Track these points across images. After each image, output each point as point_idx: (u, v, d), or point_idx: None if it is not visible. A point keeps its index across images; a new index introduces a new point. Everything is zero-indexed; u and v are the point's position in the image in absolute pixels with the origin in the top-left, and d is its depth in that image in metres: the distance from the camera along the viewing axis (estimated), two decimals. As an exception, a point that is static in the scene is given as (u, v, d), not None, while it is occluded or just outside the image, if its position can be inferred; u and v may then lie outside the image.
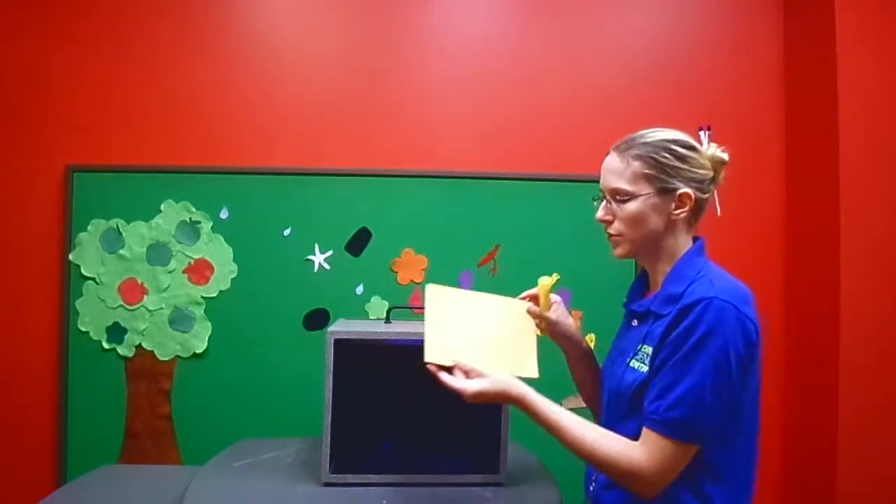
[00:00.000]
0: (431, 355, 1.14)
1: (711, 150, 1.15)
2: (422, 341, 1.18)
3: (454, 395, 1.09)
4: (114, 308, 2.11)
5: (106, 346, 2.11)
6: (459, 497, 1.28)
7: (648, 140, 1.11)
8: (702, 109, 2.23)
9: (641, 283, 1.23)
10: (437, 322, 1.19)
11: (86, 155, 2.14)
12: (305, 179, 2.15)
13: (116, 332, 2.11)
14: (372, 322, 1.60)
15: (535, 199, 2.16)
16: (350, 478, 1.32)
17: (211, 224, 2.13)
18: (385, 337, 1.37)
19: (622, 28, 2.24)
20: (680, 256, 1.13)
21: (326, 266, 2.15)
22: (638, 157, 1.10)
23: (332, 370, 1.33)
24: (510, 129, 2.20)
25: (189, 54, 2.17)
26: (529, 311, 1.25)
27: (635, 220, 1.10)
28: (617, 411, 1.12)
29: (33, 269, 2.13)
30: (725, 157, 1.15)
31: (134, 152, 2.15)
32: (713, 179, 1.14)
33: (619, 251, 1.15)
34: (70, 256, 2.11)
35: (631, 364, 1.10)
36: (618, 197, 1.11)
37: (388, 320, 1.52)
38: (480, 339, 1.20)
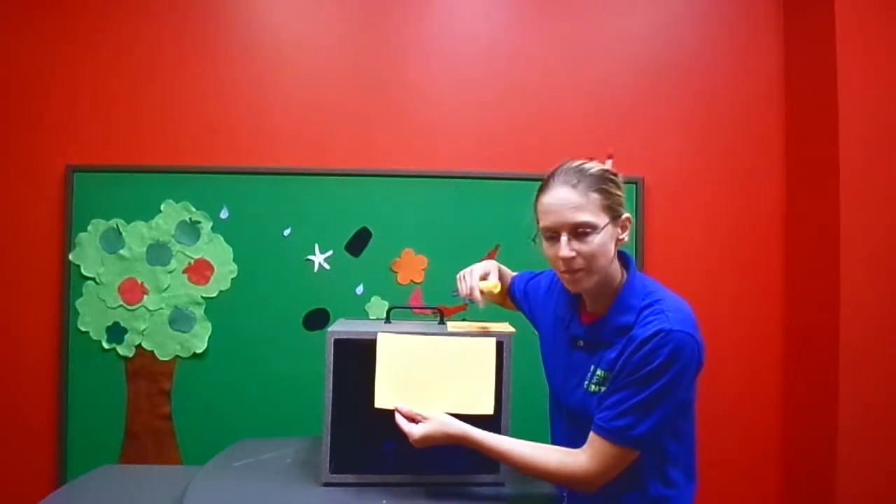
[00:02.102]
0: (380, 401, 1.25)
1: (620, 176, 1.19)
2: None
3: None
4: (114, 308, 2.11)
5: (106, 346, 2.11)
6: (459, 497, 1.28)
7: (592, 173, 1.13)
8: (702, 109, 2.23)
9: (572, 303, 1.26)
10: (387, 370, 1.28)
11: (86, 155, 2.14)
12: (305, 179, 2.15)
13: (116, 332, 2.11)
14: (372, 322, 1.60)
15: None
16: (350, 478, 1.32)
17: (211, 224, 2.13)
18: (385, 337, 1.37)
19: (622, 28, 2.23)
20: (620, 284, 1.18)
21: (326, 266, 2.15)
22: (593, 190, 1.11)
23: (332, 370, 1.32)
24: (510, 130, 2.20)
25: (189, 54, 2.17)
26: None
27: (601, 252, 1.12)
28: (585, 431, 1.15)
29: (33, 269, 2.13)
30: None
31: (134, 152, 2.15)
32: None
33: (584, 284, 1.14)
34: (70, 256, 2.11)
35: (589, 389, 1.17)
36: (584, 230, 1.10)
37: (388, 320, 1.52)
38: (433, 381, 1.27)
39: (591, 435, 1.11)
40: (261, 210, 2.14)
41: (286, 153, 2.17)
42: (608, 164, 1.19)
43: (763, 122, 2.24)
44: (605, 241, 1.11)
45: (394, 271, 2.16)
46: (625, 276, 1.19)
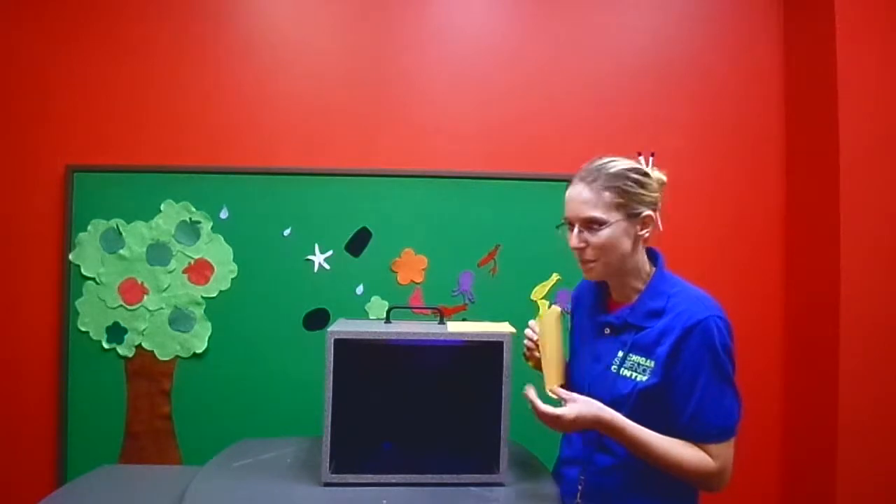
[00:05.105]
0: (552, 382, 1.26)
1: (656, 174, 1.26)
2: (421, 342, 1.28)
3: (549, 420, 1.15)
4: (114, 308, 2.11)
5: (106, 346, 2.11)
6: (459, 497, 1.28)
7: (611, 171, 1.22)
8: (702, 109, 2.23)
9: (601, 294, 1.33)
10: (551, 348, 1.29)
11: (86, 155, 2.14)
12: (305, 179, 2.15)
13: (116, 332, 2.11)
14: (372, 322, 1.60)
15: (535, 199, 2.16)
16: (350, 478, 1.32)
17: (211, 224, 2.13)
18: (385, 337, 1.37)
19: (622, 28, 2.23)
20: (650, 273, 1.27)
21: (326, 266, 2.15)
22: (607, 188, 1.21)
23: (332, 370, 1.33)
24: (510, 129, 2.20)
25: (189, 54, 2.17)
26: (529, 341, 1.37)
27: (609, 246, 1.21)
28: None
29: (33, 269, 2.13)
30: (665, 178, 1.28)
31: (134, 152, 2.15)
32: (659, 197, 1.27)
33: (593, 275, 1.26)
34: (70, 256, 2.11)
35: (621, 373, 1.21)
36: (592, 225, 1.21)
37: (388, 320, 1.52)
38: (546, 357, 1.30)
39: (706, 446, 1.16)
40: (261, 210, 2.14)
41: (286, 153, 2.17)
42: (638, 163, 1.26)
43: (763, 122, 2.24)
44: (614, 235, 1.20)
45: (394, 271, 2.16)
46: (653, 269, 1.27)
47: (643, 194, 1.22)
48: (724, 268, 2.21)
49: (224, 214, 2.14)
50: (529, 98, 2.21)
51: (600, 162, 1.24)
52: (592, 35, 2.24)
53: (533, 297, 2.16)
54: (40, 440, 2.11)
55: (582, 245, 1.22)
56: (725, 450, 1.18)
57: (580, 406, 1.14)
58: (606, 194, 1.20)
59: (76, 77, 2.15)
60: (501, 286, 2.15)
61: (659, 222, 1.26)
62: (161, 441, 2.11)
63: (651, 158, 1.29)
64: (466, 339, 1.37)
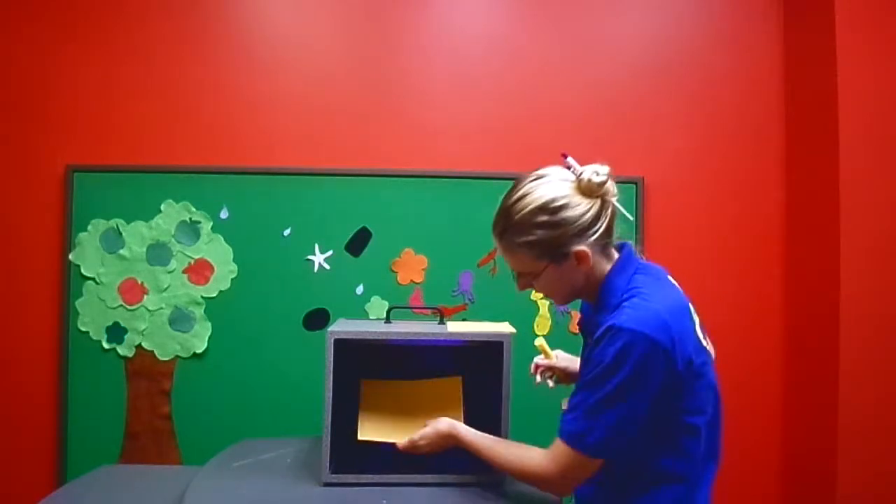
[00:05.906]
0: (364, 433, 1.32)
1: (585, 177, 1.06)
2: (421, 342, 1.29)
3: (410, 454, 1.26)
4: (114, 308, 2.11)
5: (106, 346, 2.11)
6: (459, 497, 1.28)
7: (518, 219, 1.06)
8: (702, 109, 2.23)
9: (588, 307, 1.23)
10: (372, 407, 1.36)
11: (86, 155, 2.14)
12: (305, 179, 2.15)
13: (116, 332, 2.11)
14: (372, 322, 1.60)
15: (535, 199, 2.16)
16: (350, 478, 1.32)
17: (211, 224, 2.13)
18: (385, 337, 1.37)
19: (622, 28, 2.24)
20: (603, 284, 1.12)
21: (326, 266, 2.15)
22: (519, 245, 1.07)
23: (332, 370, 1.33)
24: (510, 130, 2.20)
25: (189, 54, 2.17)
26: (543, 366, 1.42)
27: (551, 287, 1.14)
28: None
29: (33, 269, 2.13)
30: (600, 177, 1.05)
31: (134, 152, 2.15)
32: (602, 204, 1.07)
33: (558, 304, 1.26)
34: (70, 256, 2.11)
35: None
36: (523, 278, 1.14)
37: (388, 320, 1.52)
38: (411, 418, 1.34)
39: (560, 443, 1.05)
40: (261, 210, 2.14)
41: (286, 153, 2.17)
42: (565, 177, 1.08)
43: (763, 122, 2.24)
44: (550, 281, 1.11)
45: (394, 271, 2.16)
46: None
47: (562, 232, 1.04)
48: (724, 268, 2.21)
49: (224, 214, 2.14)
50: (529, 98, 2.21)
51: (507, 203, 1.09)
52: (592, 35, 2.24)
53: (533, 297, 2.16)
54: (40, 440, 2.11)
55: (525, 290, 1.17)
56: (566, 457, 1.03)
57: (427, 429, 1.24)
58: (521, 251, 1.08)
59: (76, 77, 2.15)
60: (501, 286, 2.15)
61: (626, 213, 1.11)
62: (161, 441, 2.11)
63: (573, 166, 1.10)
64: (466, 339, 1.37)
